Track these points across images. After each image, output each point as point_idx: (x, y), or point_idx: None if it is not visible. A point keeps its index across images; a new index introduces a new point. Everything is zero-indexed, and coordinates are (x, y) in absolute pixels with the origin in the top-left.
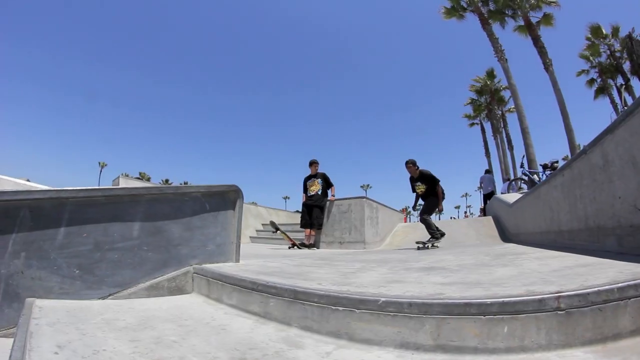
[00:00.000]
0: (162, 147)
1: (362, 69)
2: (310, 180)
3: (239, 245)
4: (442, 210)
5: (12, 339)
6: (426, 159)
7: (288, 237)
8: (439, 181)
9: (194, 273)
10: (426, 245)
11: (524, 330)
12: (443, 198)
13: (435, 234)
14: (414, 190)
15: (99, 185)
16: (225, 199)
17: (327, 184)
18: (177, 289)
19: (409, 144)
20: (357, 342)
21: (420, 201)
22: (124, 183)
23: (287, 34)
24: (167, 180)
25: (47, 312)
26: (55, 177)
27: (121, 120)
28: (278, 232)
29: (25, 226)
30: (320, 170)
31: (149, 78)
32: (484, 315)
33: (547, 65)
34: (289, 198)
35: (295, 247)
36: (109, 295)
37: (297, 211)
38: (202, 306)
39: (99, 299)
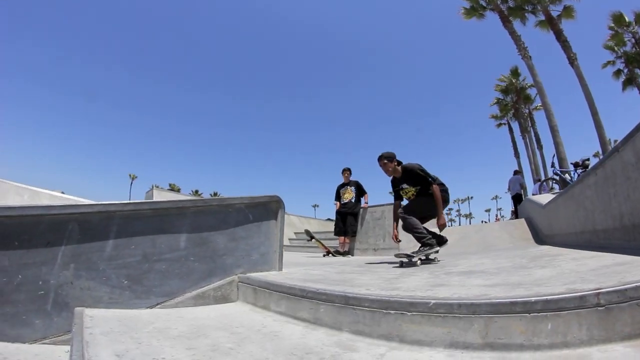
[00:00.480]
0: (187, 158)
1: (386, 74)
2: (343, 188)
3: (282, 254)
4: (444, 224)
5: (61, 346)
6: (455, 162)
7: (323, 245)
8: (434, 180)
9: (239, 282)
10: (413, 260)
11: (566, 327)
12: (446, 204)
13: (426, 237)
14: (398, 198)
15: (129, 197)
16: (268, 209)
17: (360, 191)
18: (222, 298)
19: (436, 148)
20: (409, 344)
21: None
22: (157, 195)
23: (306, 38)
24: (196, 191)
25: (98, 322)
26: (86, 188)
27: (138, 128)
28: (313, 240)
29: (74, 239)
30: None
31: (170, 85)
32: (529, 313)
33: (571, 60)
34: (318, 206)
35: (330, 254)
36: (157, 304)
37: (329, 219)
38: (250, 314)
39: (147, 308)
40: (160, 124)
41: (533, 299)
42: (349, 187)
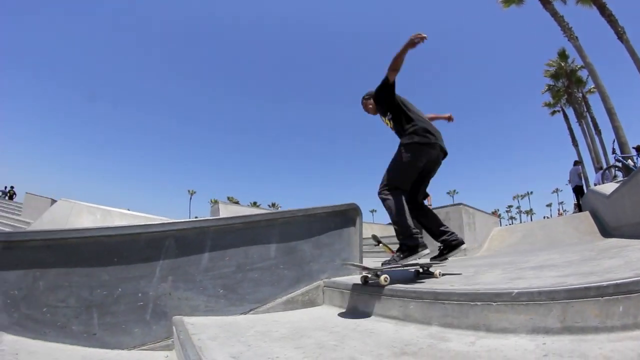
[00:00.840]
0: (238, 170)
1: (432, 77)
2: None
3: (362, 259)
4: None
5: (160, 352)
6: (510, 160)
7: (390, 249)
8: (385, 80)
9: (325, 286)
10: (378, 276)
11: (636, 309)
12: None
13: (407, 233)
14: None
15: (189, 212)
16: (347, 216)
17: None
18: (309, 302)
19: (491, 146)
20: (495, 332)
21: None
22: (223, 209)
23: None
24: (254, 203)
25: (201, 328)
26: (144, 203)
27: (188, 143)
28: (380, 245)
29: (171, 253)
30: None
31: (219, 98)
32: (602, 297)
33: (619, 35)
34: (375, 211)
35: None
36: (250, 310)
37: (390, 224)
38: (339, 316)
39: (241, 314)
40: (209, 137)
41: (605, 283)
42: None
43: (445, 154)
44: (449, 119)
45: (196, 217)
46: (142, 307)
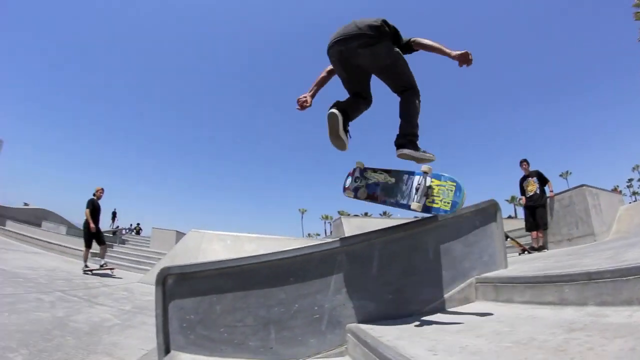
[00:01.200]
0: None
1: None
2: (525, 181)
3: (506, 253)
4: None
5: (334, 359)
6: (622, 126)
7: (518, 243)
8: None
9: (477, 283)
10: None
11: None
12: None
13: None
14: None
15: (302, 229)
16: (488, 213)
17: (542, 181)
18: (464, 299)
19: (596, 118)
20: None
21: None
22: (345, 222)
23: None
24: (366, 214)
25: (381, 331)
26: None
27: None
28: (508, 239)
29: (343, 267)
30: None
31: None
32: None
33: None
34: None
35: (526, 252)
36: (416, 311)
37: (509, 217)
38: (498, 308)
39: (409, 316)
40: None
41: None
42: (530, 178)
43: (346, 37)
44: (458, 59)
45: (309, 234)
46: (317, 319)
